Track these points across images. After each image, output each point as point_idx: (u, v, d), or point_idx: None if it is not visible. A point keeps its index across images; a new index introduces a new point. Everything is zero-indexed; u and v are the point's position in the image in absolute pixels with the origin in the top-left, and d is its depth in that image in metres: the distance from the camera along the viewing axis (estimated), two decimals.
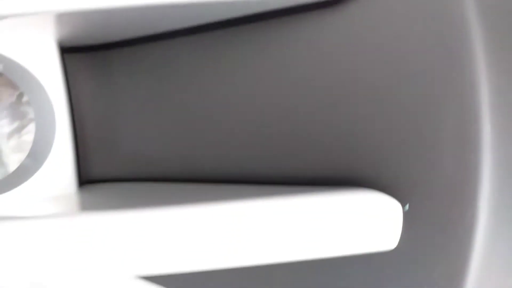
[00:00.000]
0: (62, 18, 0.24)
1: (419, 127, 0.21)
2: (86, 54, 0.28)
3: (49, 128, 0.26)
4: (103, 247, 0.20)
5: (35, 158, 0.26)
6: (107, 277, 0.26)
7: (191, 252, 0.20)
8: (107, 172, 0.28)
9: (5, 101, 0.34)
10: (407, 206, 0.21)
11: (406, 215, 0.21)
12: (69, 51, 0.27)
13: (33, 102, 0.28)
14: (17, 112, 0.34)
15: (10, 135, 0.34)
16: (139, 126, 0.28)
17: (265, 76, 0.24)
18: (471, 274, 0.22)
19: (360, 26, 0.22)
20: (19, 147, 0.34)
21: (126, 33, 0.27)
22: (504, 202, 0.22)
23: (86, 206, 0.25)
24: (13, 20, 0.22)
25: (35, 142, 0.28)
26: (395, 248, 0.21)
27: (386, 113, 0.22)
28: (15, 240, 0.21)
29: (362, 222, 0.20)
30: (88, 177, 0.28)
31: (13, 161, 0.33)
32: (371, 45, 0.22)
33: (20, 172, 0.27)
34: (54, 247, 0.21)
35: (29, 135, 0.34)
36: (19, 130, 0.34)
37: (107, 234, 0.20)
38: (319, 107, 0.23)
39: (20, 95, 0.34)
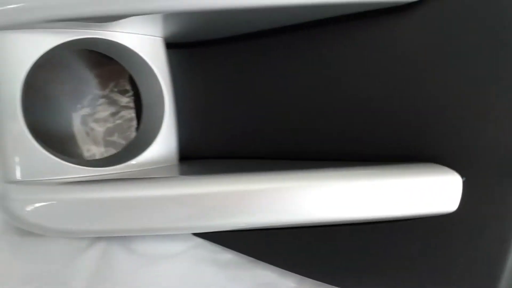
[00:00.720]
0: (168, 19, 0.29)
1: (476, 115, 0.26)
2: (185, 49, 0.33)
3: (158, 111, 0.31)
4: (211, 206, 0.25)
5: (145, 137, 0.31)
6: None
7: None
8: (199, 151, 0.33)
9: (102, 90, 0.39)
10: (464, 178, 0.26)
11: (464, 185, 0.26)
12: (171, 47, 0.32)
13: (144, 89, 0.33)
14: (111, 100, 0.39)
15: (105, 120, 0.39)
16: (226, 114, 0.33)
17: (345, 71, 0.29)
18: None
19: (429, 26, 0.26)
20: (113, 130, 0.39)
21: (218, 34, 0.32)
22: None
23: (185, 173, 0.30)
24: (132, 19, 0.27)
25: (144, 123, 0.33)
26: (454, 213, 0.26)
27: (449, 102, 0.26)
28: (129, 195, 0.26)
29: (430, 188, 0.25)
30: (185, 154, 0.33)
31: (108, 143, 0.39)
32: (436, 44, 0.27)
33: (132, 148, 0.32)
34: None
35: (121, 120, 0.39)
36: (113, 115, 0.39)
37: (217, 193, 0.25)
38: (394, 100, 0.28)
39: (114, 86, 0.39)
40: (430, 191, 0.25)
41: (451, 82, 0.26)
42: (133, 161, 0.30)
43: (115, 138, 0.38)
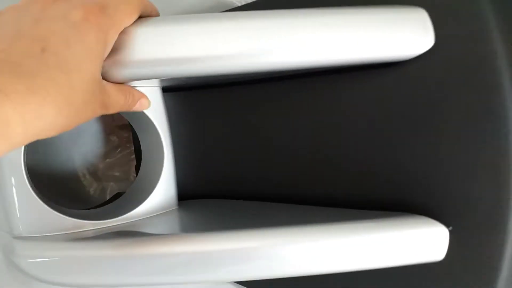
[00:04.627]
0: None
1: (461, 165, 0.27)
2: (177, 93, 0.33)
3: (158, 157, 0.31)
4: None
5: (145, 184, 0.32)
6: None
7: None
8: (195, 192, 0.34)
9: (100, 125, 0.40)
10: (450, 227, 0.27)
11: (451, 234, 0.27)
12: (166, 91, 0.33)
13: (143, 137, 0.33)
14: (110, 135, 0.40)
15: (106, 155, 0.40)
16: (218, 156, 0.34)
17: (337, 122, 0.30)
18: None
19: (416, 82, 0.27)
20: (113, 165, 0.40)
21: (207, 82, 0.33)
22: None
23: (184, 223, 0.31)
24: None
25: (144, 169, 0.34)
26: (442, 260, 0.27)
27: (435, 155, 0.28)
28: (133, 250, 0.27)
29: (417, 239, 0.26)
30: (183, 195, 0.34)
31: (109, 178, 0.40)
32: (425, 98, 0.27)
33: (132, 196, 0.33)
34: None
35: (120, 154, 0.40)
36: (113, 150, 0.40)
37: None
38: (387, 156, 0.29)
39: (113, 120, 0.40)
40: (419, 244, 0.27)
41: (437, 141, 0.27)
42: (133, 212, 0.31)
43: (115, 172, 0.39)
